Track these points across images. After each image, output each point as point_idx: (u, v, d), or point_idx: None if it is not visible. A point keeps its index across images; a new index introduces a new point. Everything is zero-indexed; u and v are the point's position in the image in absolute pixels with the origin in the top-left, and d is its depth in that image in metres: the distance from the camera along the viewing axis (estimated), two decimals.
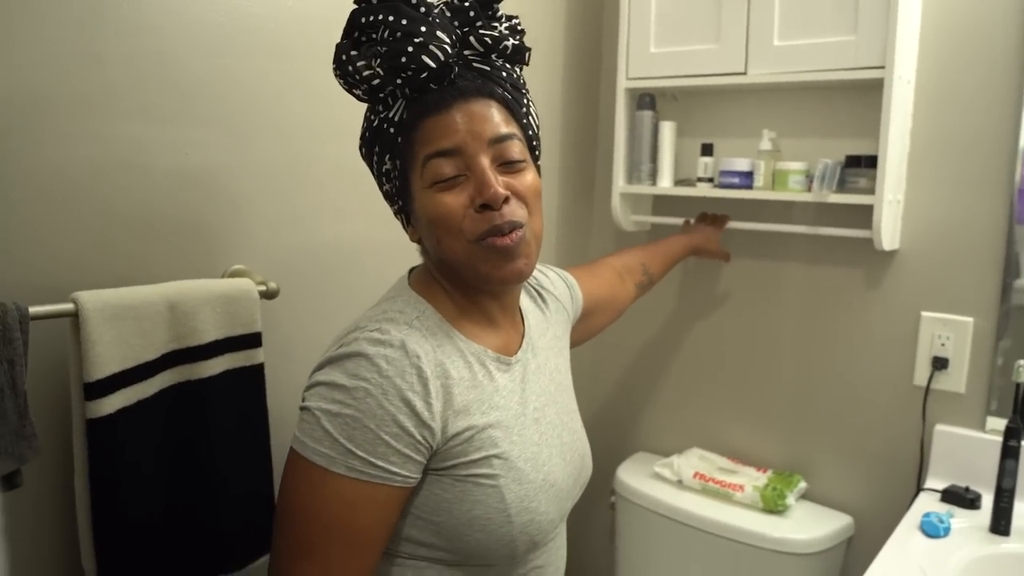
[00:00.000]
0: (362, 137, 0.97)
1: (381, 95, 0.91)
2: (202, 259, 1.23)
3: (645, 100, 1.84)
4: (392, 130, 0.92)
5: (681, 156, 1.89)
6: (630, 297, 1.53)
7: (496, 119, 0.91)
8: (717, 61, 1.68)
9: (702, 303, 1.97)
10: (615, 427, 2.15)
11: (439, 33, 0.87)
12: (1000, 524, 1.40)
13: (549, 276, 1.25)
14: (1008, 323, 1.56)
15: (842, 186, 1.60)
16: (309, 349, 1.41)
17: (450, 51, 0.88)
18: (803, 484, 1.77)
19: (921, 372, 1.66)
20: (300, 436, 0.87)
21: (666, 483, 1.82)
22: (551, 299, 1.20)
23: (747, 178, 1.71)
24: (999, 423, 1.53)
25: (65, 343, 1.02)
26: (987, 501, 1.48)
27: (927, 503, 1.53)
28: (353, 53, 0.89)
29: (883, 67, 1.48)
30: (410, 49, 0.85)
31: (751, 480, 1.75)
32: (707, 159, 1.78)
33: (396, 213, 1.01)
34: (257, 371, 1.23)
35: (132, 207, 1.14)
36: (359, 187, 1.47)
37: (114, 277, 1.11)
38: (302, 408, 0.88)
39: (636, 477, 1.87)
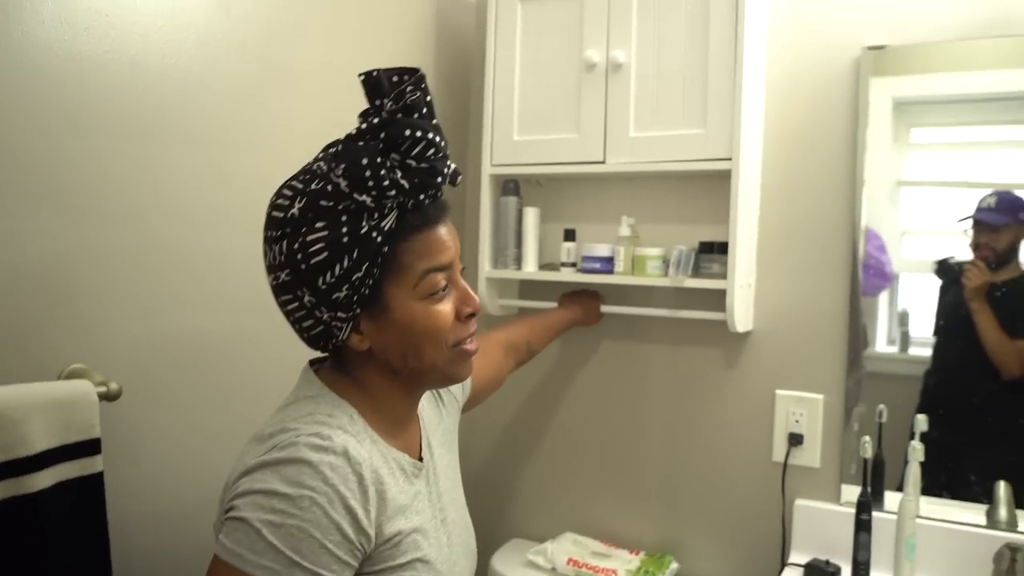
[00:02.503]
0: (329, 241, 0.87)
1: (387, 204, 0.89)
2: (35, 360, 1.13)
3: (509, 186, 1.87)
4: (380, 239, 0.89)
5: (545, 241, 1.92)
6: (508, 372, 1.56)
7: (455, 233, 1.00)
8: (577, 150, 1.73)
9: (569, 386, 1.98)
10: (487, 513, 2.10)
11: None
12: None
13: None
14: (859, 394, 1.64)
15: (697, 271, 1.66)
16: (157, 452, 1.32)
17: None
18: (675, 565, 1.78)
19: (779, 448, 1.72)
20: (236, 548, 0.81)
21: (540, 571, 1.78)
22: (446, 393, 1.21)
23: (608, 263, 1.75)
24: (852, 494, 1.60)
25: None
26: (847, 573, 1.53)
27: None
28: (379, 160, 0.87)
29: (730, 159, 1.57)
30: (446, 170, 0.93)
31: (624, 563, 1.74)
32: (570, 244, 1.81)
33: (340, 320, 0.92)
34: (95, 480, 1.13)
35: None
36: (211, 274, 1.40)
37: None
38: (233, 518, 0.82)
39: (510, 566, 1.82)
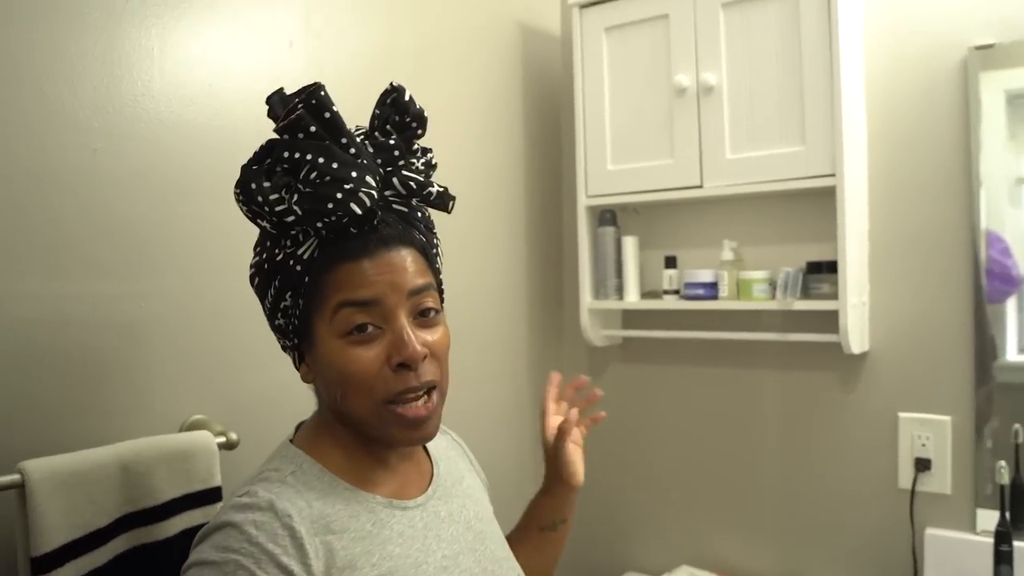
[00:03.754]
0: (257, 266, 0.90)
1: (293, 232, 0.85)
2: (159, 412, 1.20)
3: (606, 216, 1.86)
4: (299, 268, 0.85)
5: (646, 268, 1.90)
6: None
7: (413, 269, 0.87)
8: (673, 176, 1.71)
9: (679, 415, 1.94)
10: (601, 547, 2.07)
11: (368, 178, 0.83)
12: None
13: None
14: (991, 409, 1.54)
15: (806, 292, 1.61)
16: None
17: (376, 197, 0.84)
18: None
19: (905, 474, 1.63)
20: None
21: None
22: (475, 458, 1.16)
23: (711, 289, 1.71)
24: (989, 520, 1.49)
25: (10, 515, 0.97)
26: None
27: None
28: (266, 184, 0.82)
29: (833, 175, 1.51)
30: (339, 196, 0.80)
31: None
32: (671, 271, 1.79)
33: (286, 348, 0.93)
34: None
35: (81, 365, 1.11)
36: None
37: (64, 440, 1.07)
38: None
39: None
